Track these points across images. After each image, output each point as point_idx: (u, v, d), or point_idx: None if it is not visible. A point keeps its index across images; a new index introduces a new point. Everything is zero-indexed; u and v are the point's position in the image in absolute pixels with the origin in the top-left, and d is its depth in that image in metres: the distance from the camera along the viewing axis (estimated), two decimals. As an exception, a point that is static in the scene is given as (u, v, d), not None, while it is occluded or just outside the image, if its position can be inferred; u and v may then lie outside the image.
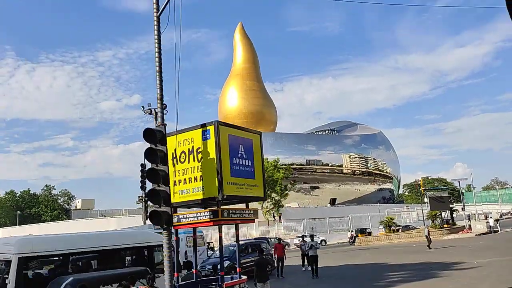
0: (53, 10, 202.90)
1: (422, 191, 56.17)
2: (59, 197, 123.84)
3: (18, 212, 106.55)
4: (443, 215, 52.76)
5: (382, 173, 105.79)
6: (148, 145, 10.45)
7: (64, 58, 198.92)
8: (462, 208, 54.10)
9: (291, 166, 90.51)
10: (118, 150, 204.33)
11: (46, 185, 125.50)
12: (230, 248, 23.08)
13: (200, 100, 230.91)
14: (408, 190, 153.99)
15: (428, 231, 36.58)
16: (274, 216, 71.65)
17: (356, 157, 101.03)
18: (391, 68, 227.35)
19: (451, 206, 53.66)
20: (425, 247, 34.41)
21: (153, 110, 33.66)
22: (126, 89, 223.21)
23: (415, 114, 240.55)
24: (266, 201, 73.36)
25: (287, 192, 73.91)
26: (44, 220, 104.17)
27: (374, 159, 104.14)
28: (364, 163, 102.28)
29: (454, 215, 54.65)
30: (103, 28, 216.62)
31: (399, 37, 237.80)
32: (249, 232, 71.56)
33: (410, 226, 57.14)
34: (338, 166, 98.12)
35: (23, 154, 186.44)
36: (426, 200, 52.62)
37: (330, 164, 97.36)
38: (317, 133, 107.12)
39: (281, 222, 72.63)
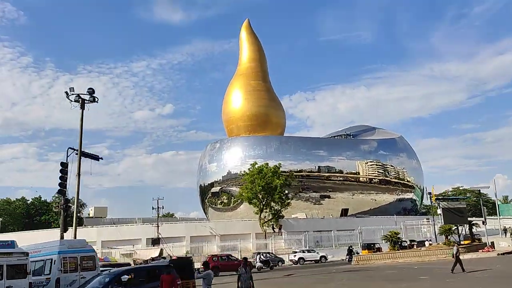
0: (90, 22, 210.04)
1: (434, 200, 47.85)
2: (70, 205, 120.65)
3: (27, 220, 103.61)
4: (460, 230, 44.45)
5: (403, 181, 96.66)
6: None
7: (100, 69, 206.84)
8: (483, 222, 45.47)
9: (300, 173, 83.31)
10: (151, 159, 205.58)
11: (57, 192, 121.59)
12: (104, 278, 15.67)
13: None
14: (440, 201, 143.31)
15: (458, 250, 27.98)
16: (273, 228, 64.19)
17: (373, 164, 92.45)
18: (426, 76, 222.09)
19: (470, 219, 45.39)
20: (432, 269, 26.64)
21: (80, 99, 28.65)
22: (159, 99, 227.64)
23: (452, 123, 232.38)
24: (264, 211, 66.34)
25: (288, 201, 66.47)
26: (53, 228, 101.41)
27: (393, 166, 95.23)
28: (382, 171, 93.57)
29: (474, 230, 46.24)
30: (138, 39, 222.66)
31: (435, 45, 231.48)
32: (245, 245, 64.49)
33: (426, 241, 48.89)
34: (353, 173, 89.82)
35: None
36: (439, 211, 44.42)
37: (345, 172, 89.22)
38: (332, 138, 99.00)
39: (281, 235, 65.08)
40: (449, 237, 42.81)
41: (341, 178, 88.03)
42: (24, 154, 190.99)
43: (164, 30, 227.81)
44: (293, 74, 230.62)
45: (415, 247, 48.25)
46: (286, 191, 68.70)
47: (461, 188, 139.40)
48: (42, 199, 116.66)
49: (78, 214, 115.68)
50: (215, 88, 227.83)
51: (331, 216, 76.90)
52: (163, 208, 61.64)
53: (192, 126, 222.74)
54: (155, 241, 58.58)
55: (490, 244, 43.22)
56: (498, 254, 39.52)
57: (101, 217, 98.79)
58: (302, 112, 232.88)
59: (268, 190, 63.70)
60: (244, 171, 68.03)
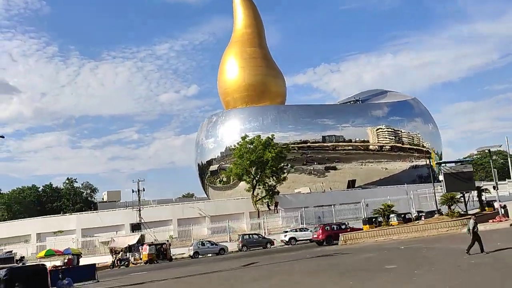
0: (110, 8, 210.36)
1: (434, 164, 41.30)
2: (82, 190, 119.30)
3: (38, 208, 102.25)
4: (467, 198, 38.05)
5: (417, 147, 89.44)
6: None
7: (124, 54, 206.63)
8: (494, 187, 38.75)
9: (303, 144, 77.24)
10: (180, 141, 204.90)
11: (67, 178, 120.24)
12: None
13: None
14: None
15: (475, 223, 21.46)
16: (268, 206, 58.74)
17: (383, 130, 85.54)
18: (454, 39, 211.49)
19: (478, 185, 38.91)
20: (419, 250, 20.86)
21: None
22: (184, 80, 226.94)
23: (484, 85, 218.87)
24: (257, 187, 60.89)
25: (284, 175, 60.72)
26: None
27: (407, 131, 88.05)
28: (394, 137, 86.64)
29: (484, 197, 39.76)
30: (158, 22, 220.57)
31: (462, 5, 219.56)
32: (239, 226, 59.45)
33: (436, 212, 42.63)
34: (362, 142, 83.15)
35: (93, 149, 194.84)
36: (441, 177, 38.02)
37: (353, 140, 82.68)
38: (338, 104, 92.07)
39: (277, 212, 59.64)
40: (452, 206, 36.44)
41: (349, 148, 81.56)
42: (57, 142, 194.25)
43: (181, 11, 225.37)
44: (316, 46, 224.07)
45: (423, 218, 42.28)
46: (284, 164, 62.98)
47: (486, 150, 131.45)
48: (54, 186, 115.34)
49: (90, 199, 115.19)
50: None
51: (330, 189, 70.89)
52: (144, 190, 56.71)
53: (217, 105, 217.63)
54: (136, 227, 54.09)
55: (503, 212, 36.66)
56: (511, 225, 33.11)
57: (115, 201, 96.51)
58: (327, 84, 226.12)
59: (260, 164, 58.10)
60: (235, 145, 62.40)
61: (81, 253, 43.21)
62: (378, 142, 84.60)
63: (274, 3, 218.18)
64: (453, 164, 40.60)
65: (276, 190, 60.08)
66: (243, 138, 60.93)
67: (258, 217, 57.70)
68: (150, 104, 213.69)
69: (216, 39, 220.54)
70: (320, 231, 42.52)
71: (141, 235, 51.02)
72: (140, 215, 54.77)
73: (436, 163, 41.81)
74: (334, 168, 77.97)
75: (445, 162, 41.69)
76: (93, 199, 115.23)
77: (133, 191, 55.00)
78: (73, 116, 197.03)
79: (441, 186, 68.12)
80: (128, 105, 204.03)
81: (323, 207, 61.68)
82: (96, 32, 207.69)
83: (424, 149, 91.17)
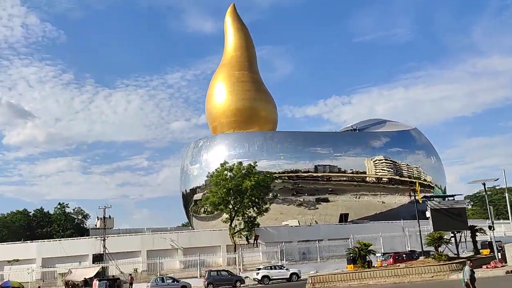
0: (125, 37, 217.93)
1: (419, 199, 36.41)
2: (73, 216, 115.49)
3: (28, 233, 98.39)
4: (459, 238, 32.91)
5: (419, 181, 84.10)
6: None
7: (137, 82, 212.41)
8: (490, 227, 33.60)
9: (294, 174, 72.46)
10: None
11: (59, 203, 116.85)
12: None
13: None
14: (472, 203, 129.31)
15: (472, 272, 17.72)
16: (247, 239, 53.70)
17: (382, 162, 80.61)
18: (468, 73, 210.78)
19: (473, 224, 33.87)
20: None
21: None
22: (195, 109, 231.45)
23: (499, 121, 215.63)
24: (236, 218, 55.99)
25: (267, 206, 55.87)
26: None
27: (407, 164, 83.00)
28: (393, 169, 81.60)
29: (489, 237, 34.70)
30: (172, 51, 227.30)
31: (476, 40, 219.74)
32: (215, 260, 54.30)
33: (416, 254, 37.46)
34: (358, 173, 78.13)
35: (103, 174, 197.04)
36: (428, 214, 33.04)
37: (349, 171, 77.73)
38: (333, 132, 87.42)
39: (257, 247, 54.54)
40: (440, 248, 31.34)
41: (344, 178, 76.57)
42: (69, 167, 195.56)
43: (196, 41, 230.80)
44: (327, 78, 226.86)
45: (420, 258, 37.22)
46: (267, 194, 58.17)
47: (497, 187, 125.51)
48: (45, 210, 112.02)
49: (82, 225, 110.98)
50: None
51: (316, 222, 65.76)
52: (109, 218, 52.01)
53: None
54: (97, 258, 49.17)
55: (499, 257, 31.43)
56: (507, 272, 27.91)
57: (108, 228, 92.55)
58: (338, 116, 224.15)
59: (238, 193, 53.39)
60: (213, 172, 57.81)
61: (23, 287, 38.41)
62: (375, 174, 79.56)
63: (287, 34, 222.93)
64: (443, 199, 35.57)
65: (256, 222, 55.09)
66: (222, 164, 56.40)
67: (235, 251, 52.55)
68: (161, 132, 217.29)
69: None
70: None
71: (102, 267, 46.17)
72: (104, 245, 49.93)
73: (423, 197, 36.82)
74: (326, 200, 72.83)
75: (433, 196, 36.67)
76: (84, 225, 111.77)
77: (97, 218, 50.23)
78: (85, 142, 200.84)
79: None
80: (140, 132, 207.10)
81: (308, 242, 56.40)
82: (110, 61, 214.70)
83: (426, 182, 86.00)
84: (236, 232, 54.14)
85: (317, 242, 54.79)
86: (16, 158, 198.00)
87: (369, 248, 32.67)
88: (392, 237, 58.40)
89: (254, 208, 55.75)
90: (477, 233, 34.96)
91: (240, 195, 53.20)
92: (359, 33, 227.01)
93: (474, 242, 34.63)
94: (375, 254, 40.23)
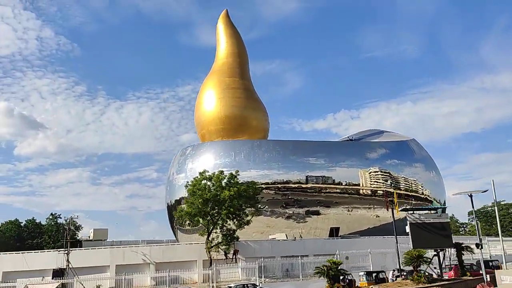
0: (137, 51, 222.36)
1: (397, 211, 32.70)
2: (65, 227, 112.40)
3: (18, 244, 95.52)
4: (442, 256, 29.09)
5: (416, 194, 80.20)
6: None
7: (148, 94, 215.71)
8: (478, 245, 29.79)
9: (281, 185, 68.86)
10: None
11: (51, 214, 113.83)
12: None
13: (276, 130, 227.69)
14: (477, 218, 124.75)
15: None
16: (225, 254, 50.05)
17: (378, 173, 76.85)
18: (476, 89, 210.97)
19: (458, 242, 30.10)
20: None
21: None
22: None
23: (508, 137, 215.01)
24: (214, 231, 52.42)
25: (248, 218, 52.33)
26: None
27: (405, 177, 79.19)
28: (390, 182, 77.81)
29: (469, 256, 30.82)
30: (183, 64, 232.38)
31: (485, 57, 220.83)
32: (190, 276, 50.63)
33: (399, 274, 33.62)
34: (353, 185, 74.36)
35: (113, 186, 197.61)
36: (407, 229, 29.32)
37: (344, 183, 74.06)
38: (327, 142, 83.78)
39: (235, 262, 50.89)
40: (421, 267, 27.58)
41: (337, 190, 72.87)
42: (78, 178, 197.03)
43: (207, 54, 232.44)
44: (336, 92, 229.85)
45: (398, 279, 33.37)
46: (250, 205, 54.57)
47: (502, 203, 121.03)
48: (37, 221, 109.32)
49: (75, 236, 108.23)
50: None
51: (300, 237, 61.83)
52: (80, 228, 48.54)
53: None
54: (57, 273, 45.66)
55: (488, 279, 27.59)
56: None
57: (101, 240, 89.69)
58: (347, 130, 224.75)
59: (217, 204, 49.91)
60: (191, 181, 54.36)
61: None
62: (370, 186, 75.80)
63: (296, 49, 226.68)
64: (425, 213, 31.80)
65: (235, 236, 51.47)
66: (201, 173, 52.98)
67: (210, 266, 48.91)
68: (170, 144, 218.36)
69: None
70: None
71: (62, 284, 42.70)
72: (68, 259, 46.49)
73: (401, 210, 33.07)
74: (317, 213, 69.10)
75: (413, 209, 32.90)
76: (76, 236, 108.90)
77: (63, 230, 46.85)
78: (95, 153, 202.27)
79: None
80: (150, 144, 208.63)
81: (292, 257, 52.58)
82: (123, 73, 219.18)
83: (423, 196, 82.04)
84: (214, 246, 50.51)
85: (299, 258, 50.86)
86: (26, 168, 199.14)
87: (339, 267, 28.90)
88: (383, 254, 54.34)
89: (234, 221, 52.22)
90: (465, 251, 31.18)
91: (218, 206, 49.67)
92: (367, 49, 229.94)
93: (460, 261, 30.83)
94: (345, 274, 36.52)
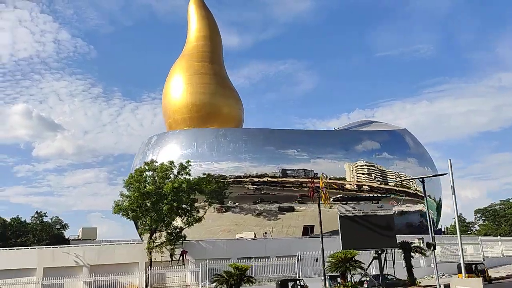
0: (152, 52, 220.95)
1: (326, 204, 25.87)
2: (52, 225, 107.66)
3: (0, 243, 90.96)
4: (383, 259, 22.30)
5: (408, 190, 73.02)
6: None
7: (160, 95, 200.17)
8: (430, 245, 22.84)
9: (261, 179, 62.39)
10: None
11: (36, 212, 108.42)
12: None
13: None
14: (483, 218, 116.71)
15: None
16: (171, 256, 43.70)
17: (364, 167, 70.01)
18: (494, 87, 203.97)
19: (406, 240, 23.12)
20: None
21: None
22: None
23: None
24: (162, 229, 46.07)
25: (200, 215, 45.95)
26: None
27: (396, 172, 72.10)
28: (379, 176, 70.91)
29: (420, 260, 23.98)
30: None
31: (502, 54, 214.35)
32: (130, 280, 44.37)
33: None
34: (337, 179, 67.59)
35: None
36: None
37: (328, 177, 67.11)
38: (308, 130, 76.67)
39: (183, 265, 44.53)
40: (350, 275, 20.83)
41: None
42: (95, 178, 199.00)
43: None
44: (351, 91, 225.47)
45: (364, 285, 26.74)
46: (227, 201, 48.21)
47: (511, 200, 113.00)
48: (22, 219, 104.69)
49: (62, 235, 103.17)
50: (270, 109, 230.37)
51: (264, 234, 55.27)
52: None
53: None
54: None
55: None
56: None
57: (90, 239, 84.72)
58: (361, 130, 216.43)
59: (159, 198, 43.54)
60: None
61: None
62: (357, 181, 68.96)
63: (310, 48, 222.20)
64: (362, 204, 24.80)
65: (181, 234, 45.05)
66: (148, 163, 46.63)
67: (150, 268, 42.57)
68: None
69: (251, 83, 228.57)
70: None
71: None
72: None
73: (334, 200, 26.03)
74: (291, 210, 62.26)
75: (348, 199, 25.92)
76: (62, 235, 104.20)
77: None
78: (111, 154, 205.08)
79: (420, 238, 52.46)
80: None
81: (252, 259, 45.97)
82: (138, 75, 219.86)
83: (415, 192, 74.75)
84: (157, 246, 44.13)
85: (254, 259, 44.28)
86: (45, 169, 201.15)
87: (246, 274, 22.32)
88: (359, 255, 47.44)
89: (183, 218, 45.87)
90: (415, 253, 24.33)
91: (161, 201, 43.30)
92: (381, 48, 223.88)
93: (408, 266, 24.04)
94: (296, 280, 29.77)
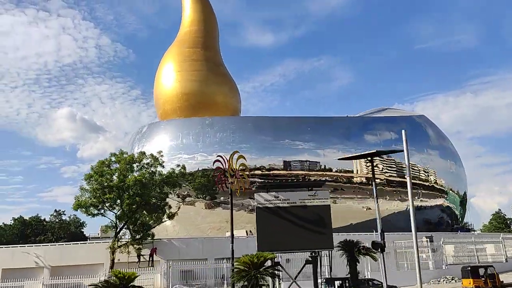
0: None
1: (239, 188, 20.57)
2: (69, 223, 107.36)
3: (20, 241, 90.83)
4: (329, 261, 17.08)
5: (426, 184, 66.24)
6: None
7: None
8: (378, 246, 17.06)
9: (254, 172, 57.37)
10: None
11: (55, 210, 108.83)
12: None
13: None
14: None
15: None
16: (138, 256, 39.34)
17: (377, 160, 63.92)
18: None
19: (349, 240, 17.64)
20: None
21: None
22: None
23: None
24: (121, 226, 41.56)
25: (173, 211, 41.46)
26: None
27: (413, 164, 65.37)
28: (393, 169, 64.72)
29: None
30: (231, 65, 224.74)
31: None
32: (94, 282, 39.91)
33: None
34: (344, 172, 61.86)
35: None
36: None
37: (335, 169, 61.67)
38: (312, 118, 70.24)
39: (152, 266, 40.11)
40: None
41: (327, 179, 60.42)
42: None
43: (255, 54, 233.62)
44: (388, 86, 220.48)
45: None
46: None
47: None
48: (42, 217, 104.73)
49: (82, 233, 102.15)
50: (305, 106, 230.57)
51: (249, 232, 50.01)
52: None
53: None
54: None
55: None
56: None
57: (110, 237, 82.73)
58: None
59: (122, 192, 39.19)
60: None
61: None
62: (366, 174, 62.90)
63: (345, 43, 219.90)
64: (287, 193, 19.26)
65: (149, 232, 40.55)
66: (114, 154, 42.23)
67: (111, 269, 38.26)
68: None
69: (286, 81, 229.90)
70: None
71: None
72: None
73: (257, 189, 20.37)
74: (289, 206, 56.76)
75: (274, 186, 20.25)
76: (82, 233, 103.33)
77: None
78: None
79: (427, 236, 46.34)
80: None
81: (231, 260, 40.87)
82: None
83: (437, 186, 67.80)
84: (122, 245, 39.80)
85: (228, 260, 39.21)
86: (89, 170, 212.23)
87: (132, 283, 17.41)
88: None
89: (156, 214, 41.43)
90: (363, 256, 18.80)
91: (120, 193, 38.93)
92: (420, 41, 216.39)
93: (353, 273, 18.49)
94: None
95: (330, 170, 61.42)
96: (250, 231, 50.77)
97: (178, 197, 45.29)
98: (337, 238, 38.10)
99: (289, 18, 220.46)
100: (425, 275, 39.95)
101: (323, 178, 59.84)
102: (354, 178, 62.33)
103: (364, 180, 62.58)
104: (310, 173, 60.26)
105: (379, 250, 17.68)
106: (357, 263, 19.35)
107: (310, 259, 18.35)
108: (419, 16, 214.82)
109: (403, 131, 20.91)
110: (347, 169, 62.13)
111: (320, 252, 18.82)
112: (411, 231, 54.48)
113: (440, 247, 42.42)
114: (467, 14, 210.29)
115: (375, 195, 20.05)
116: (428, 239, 43.64)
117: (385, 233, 48.03)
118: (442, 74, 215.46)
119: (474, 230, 73.68)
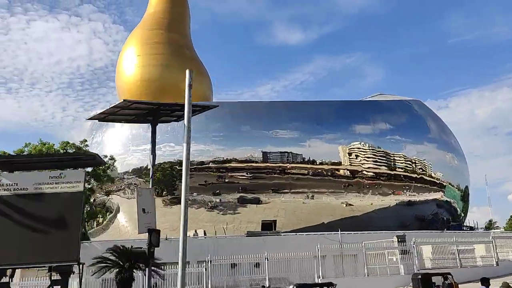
0: (216, 54, 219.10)
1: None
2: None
3: None
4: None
5: (421, 176, 59.14)
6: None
7: (227, 96, 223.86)
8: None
9: (223, 165, 51.73)
10: None
11: None
12: None
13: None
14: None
15: None
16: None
17: (362, 149, 57.51)
18: None
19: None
20: None
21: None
22: None
23: None
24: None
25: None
26: None
27: (404, 156, 58.72)
28: (384, 161, 58.17)
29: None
30: (260, 64, 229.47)
31: None
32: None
33: None
34: (331, 164, 55.45)
35: None
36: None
37: (319, 162, 55.41)
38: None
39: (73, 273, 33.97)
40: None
41: (308, 172, 54.29)
42: None
43: (285, 52, 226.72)
44: (421, 81, 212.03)
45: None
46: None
47: None
48: None
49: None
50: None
51: (195, 233, 44.00)
52: None
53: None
54: None
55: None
56: None
57: None
58: None
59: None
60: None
61: None
62: (352, 166, 56.37)
63: (376, 39, 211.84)
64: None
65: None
66: (27, 144, 36.93)
67: (12, 279, 32.79)
68: None
69: (316, 79, 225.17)
70: None
71: None
72: None
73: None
74: (257, 202, 50.51)
75: None
76: None
77: None
78: None
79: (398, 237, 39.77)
80: None
81: (165, 265, 35.02)
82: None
83: (433, 179, 60.55)
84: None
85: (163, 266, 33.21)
86: None
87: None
88: (303, 260, 35.18)
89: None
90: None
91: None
92: (455, 34, 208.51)
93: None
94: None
95: (312, 162, 55.04)
96: (196, 232, 44.93)
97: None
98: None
99: (318, 14, 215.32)
100: (394, 281, 33.59)
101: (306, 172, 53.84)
102: (340, 171, 55.77)
103: (348, 173, 55.98)
104: (282, 165, 53.95)
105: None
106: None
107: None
108: (453, 9, 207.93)
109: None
110: (334, 161, 55.77)
111: (71, 267, 12.94)
112: (396, 229, 47.64)
113: (411, 248, 35.62)
114: (505, 5, 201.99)
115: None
116: (399, 239, 36.84)
117: (359, 232, 41.83)
118: (477, 69, 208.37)
119: (475, 228, 66.16)
